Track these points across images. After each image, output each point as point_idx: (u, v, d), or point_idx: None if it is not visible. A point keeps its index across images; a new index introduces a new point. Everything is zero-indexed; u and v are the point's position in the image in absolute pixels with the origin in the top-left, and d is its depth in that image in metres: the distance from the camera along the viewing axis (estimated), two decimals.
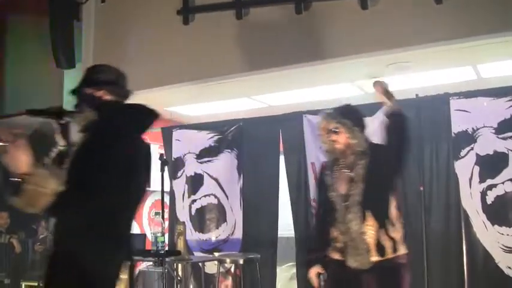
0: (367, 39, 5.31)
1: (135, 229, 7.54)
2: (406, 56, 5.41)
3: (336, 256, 3.72)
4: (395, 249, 3.60)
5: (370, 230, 3.57)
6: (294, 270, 6.13)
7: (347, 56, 5.43)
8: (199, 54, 6.18)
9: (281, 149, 6.06)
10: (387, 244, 3.57)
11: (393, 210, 3.66)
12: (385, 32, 5.22)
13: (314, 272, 3.80)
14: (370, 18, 5.31)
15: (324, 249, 3.80)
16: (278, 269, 6.22)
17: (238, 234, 6.18)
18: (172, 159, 6.63)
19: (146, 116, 3.01)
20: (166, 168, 5.85)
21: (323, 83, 6.30)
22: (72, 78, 7.05)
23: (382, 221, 3.59)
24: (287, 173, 5.97)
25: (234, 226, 6.21)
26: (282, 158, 6.06)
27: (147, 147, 2.86)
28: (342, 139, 3.70)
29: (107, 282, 2.71)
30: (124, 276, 2.83)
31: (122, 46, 6.88)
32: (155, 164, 7.28)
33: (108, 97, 2.94)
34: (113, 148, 2.62)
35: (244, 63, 5.93)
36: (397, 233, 3.64)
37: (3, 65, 7.96)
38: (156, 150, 7.81)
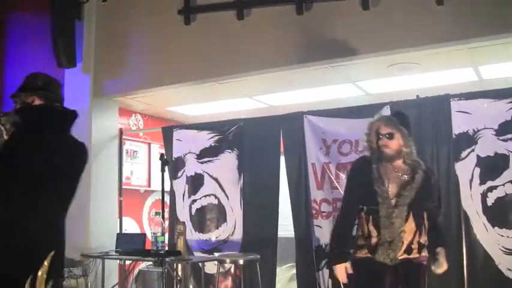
0: (368, 40, 5.32)
1: (135, 229, 7.54)
2: (406, 57, 5.42)
3: (363, 253, 3.85)
4: (420, 251, 3.83)
5: (408, 230, 3.75)
6: (294, 270, 6.13)
7: (348, 56, 5.43)
8: (200, 54, 6.19)
9: (281, 149, 6.06)
10: (417, 246, 3.80)
11: (426, 219, 3.89)
12: (385, 33, 5.22)
13: (341, 268, 3.85)
14: (371, 19, 5.31)
15: (348, 246, 3.93)
16: (278, 270, 6.22)
17: (239, 234, 6.17)
18: (173, 159, 6.62)
19: (57, 115, 3.26)
20: (166, 168, 5.85)
21: (324, 83, 6.31)
22: (73, 77, 7.07)
23: (419, 226, 3.81)
24: (287, 173, 5.96)
25: (234, 226, 6.21)
26: (282, 158, 6.06)
27: (75, 149, 3.00)
28: (395, 145, 3.79)
29: None
30: None
31: (123, 46, 6.88)
32: (156, 164, 7.39)
33: (38, 102, 3.29)
34: (18, 150, 2.92)
35: (245, 64, 5.93)
36: (424, 238, 3.86)
37: (3, 64, 7.96)
38: (156, 150, 7.84)
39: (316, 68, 5.70)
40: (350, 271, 3.87)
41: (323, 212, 5.63)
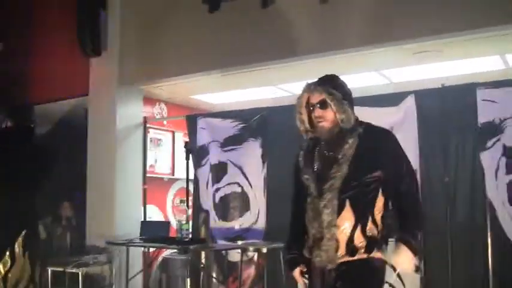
0: (393, 28, 5.26)
1: (159, 216, 7.60)
2: (432, 45, 5.36)
3: (306, 253, 3.22)
4: (370, 250, 3.02)
5: (344, 224, 3.01)
6: None
7: (372, 44, 5.39)
8: (224, 42, 6.19)
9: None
10: (361, 244, 3.01)
11: (379, 206, 3.05)
12: (412, 20, 5.16)
13: (297, 272, 3.29)
14: (397, 6, 5.25)
15: (298, 245, 3.30)
16: None
17: (262, 223, 6.18)
18: (197, 147, 6.64)
19: None
20: (191, 156, 5.88)
21: (348, 71, 6.27)
22: (98, 66, 7.13)
23: (362, 216, 3.02)
24: None
25: (257, 215, 6.22)
26: None
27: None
28: (330, 115, 3.10)
29: None
30: None
31: (148, 35, 6.91)
32: (180, 152, 7.43)
33: None
34: None
35: (270, 52, 5.92)
36: (376, 231, 3.06)
37: (31, 54, 8.04)
38: (181, 138, 7.87)
39: (340, 56, 5.66)
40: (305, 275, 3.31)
41: None
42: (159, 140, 7.74)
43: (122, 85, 7.02)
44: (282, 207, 6.04)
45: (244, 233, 6.30)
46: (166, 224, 6.62)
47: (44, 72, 7.87)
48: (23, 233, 4.62)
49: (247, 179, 6.35)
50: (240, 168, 6.38)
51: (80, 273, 6.05)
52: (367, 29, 5.37)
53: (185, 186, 6.04)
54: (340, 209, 3.00)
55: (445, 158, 5.19)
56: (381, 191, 3.04)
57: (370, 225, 3.02)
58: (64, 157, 5.57)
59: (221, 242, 6.38)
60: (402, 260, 3.02)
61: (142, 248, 6.77)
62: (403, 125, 5.40)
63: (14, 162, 4.68)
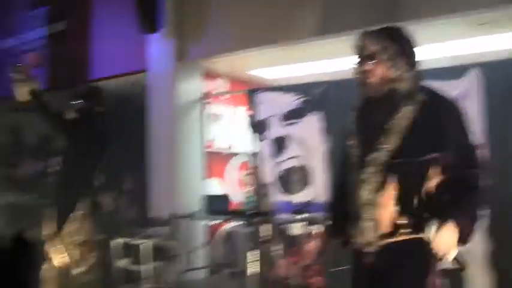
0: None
1: (220, 190, 7.68)
2: (498, 15, 5.21)
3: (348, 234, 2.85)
4: (416, 231, 2.65)
5: (385, 204, 2.64)
6: None
7: (437, 16, 5.28)
8: (284, 15, 6.16)
9: None
10: (405, 225, 2.65)
11: (430, 186, 2.64)
12: None
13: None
14: None
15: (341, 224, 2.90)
16: None
17: (323, 196, 6.19)
18: (258, 121, 6.67)
19: None
20: (252, 130, 5.92)
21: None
22: (156, 42, 7.20)
23: (408, 196, 2.62)
24: None
25: (318, 188, 6.23)
26: None
27: None
28: (379, 71, 2.68)
29: None
30: None
31: (205, 11, 6.93)
32: (240, 127, 7.46)
33: None
34: None
35: (330, 25, 5.87)
36: (424, 213, 2.66)
37: (90, 32, 8.17)
38: (240, 113, 7.91)
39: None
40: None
41: None
42: (219, 114, 7.79)
43: (180, 61, 7.08)
44: None
45: (306, 207, 6.33)
46: (227, 198, 6.70)
47: (103, 50, 8.00)
48: (88, 201, 5.06)
49: (308, 152, 6.36)
50: (301, 142, 6.40)
51: (144, 246, 6.20)
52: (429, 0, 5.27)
53: (246, 160, 6.09)
54: (382, 187, 2.62)
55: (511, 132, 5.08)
56: (436, 171, 2.62)
57: (416, 204, 2.63)
58: (125, 133, 5.69)
59: (283, 216, 6.43)
60: (444, 243, 2.58)
61: (205, 221, 6.88)
62: (466, 98, 5.31)
63: (82, 139, 5.10)
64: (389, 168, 2.62)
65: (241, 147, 7.59)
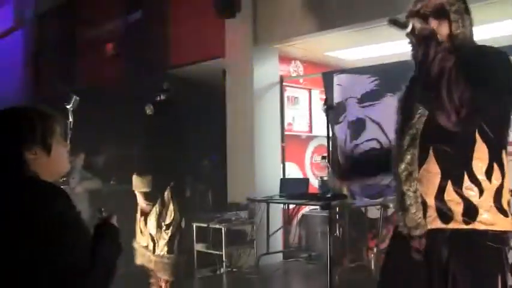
0: None
1: (298, 174, 7.65)
2: None
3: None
4: (470, 217, 2.27)
5: (429, 178, 2.33)
6: None
7: None
8: None
9: None
10: (455, 206, 2.28)
11: (479, 157, 2.29)
12: None
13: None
14: None
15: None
16: None
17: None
18: (334, 104, 6.59)
19: None
20: (329, 113, 5.84)
21: (488, 20, 5.89)
22: (233, 27, 7.22)
23: (453, 170, 2.30)
24: None
25: None
26: None
27: None
28: (445, 29, 2.38)
29: None
30: None
31: None
32: (317, 109, 7.41)
33: None
34: None
35: (406, 4, 5.69)
36: (480, 194, 2.28)
37: (167, 20, 8.29)
38: (317, 95, 7.85)
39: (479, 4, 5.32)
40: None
41: None
42: (296, 97, 7.75)
43: (257, 45, 7.08)
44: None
45: (384, 190, 6.21)
46: (305, 181, 6.68)
47: (180, 36, 8.10)
48: (172, 184, 5.21)
49: (386, 135, 6.22)
50: (379, 124, 6.27)
51: (222, 229, 6.27)
52: None
53: (323, 143, 6.03)
54: (422, 159, 2.34)
55: None
56: (479, 137, 2.28)
57: (467, 183, 2.27)
58: (204, 119, 5.75)
59: (360, 200, 6.35)
60: None
61: (283, 205, 6.88)
62: None
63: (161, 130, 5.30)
64: (426, 138, 2.34)
65: (319, 131, 7.52)
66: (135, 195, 5.22)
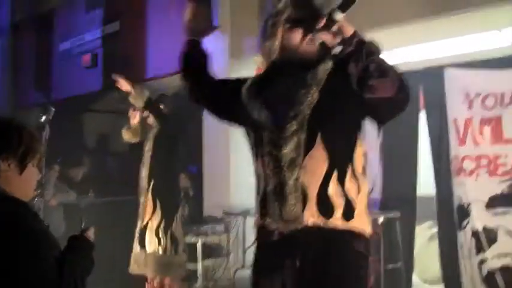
0: None
1: None
2: None
3: (260, 226, 2.38)
4: (348, 215, 2.22)
5: (314, 165, 2.22)
6: (434, 229, 5.99)
7: (491, 3, 5.09)
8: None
9: (421, 104, 5.87)
10: (337, 201, 2.20)
11: (359, 158, 2.31)
12: None
13: None
14: None
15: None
16: (417, 228, 6.10)
17: (377, 192, 6.09)
18: None
19: None
20: None
21: (467, 32, 5.97)
22: (210, 40, 7.21)
23: (339, 161, 2.24)
24: (428, 129, 5.77)
25: (373, 183, 6.13)
26: (421, 115, 5.88)
27: None
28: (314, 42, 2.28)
29: None
30: None
31: (259, 7, 6.90)
32: None
33: None
34: None
35: (379, 16, 5.75)
36: (358, 192, 2.27)
37: (144, 31, 8.29)
38: None
39: (456, 16, 5.40)
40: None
41: (465, 169, 5.42)
42: None
43: (235, 57, 7.08)
44: (397, 176, 6.01)
45: None
46: None
47: (157, 48, 8.08)
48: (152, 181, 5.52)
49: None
50: None
51: (198, 243, 6.24)
52: None
53: None
54: (309, 145, 2.23)
55: None
56: (359, 135, 2.33)
57: (349, 179, 2.23)
58: (181, 131, 5.77)
59: None
60: None
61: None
62: None
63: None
64: (313, 123, 2.25)
65: None
66: (113, 208, 5.27)
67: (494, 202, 5.17)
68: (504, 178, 5.13)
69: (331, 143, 2.23)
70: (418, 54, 6.78)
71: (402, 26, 5.60)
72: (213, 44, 7.07)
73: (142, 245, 5.42)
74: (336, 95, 2.25)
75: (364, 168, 2.33)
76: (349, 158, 2.26)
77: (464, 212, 5.38)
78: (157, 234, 5.38)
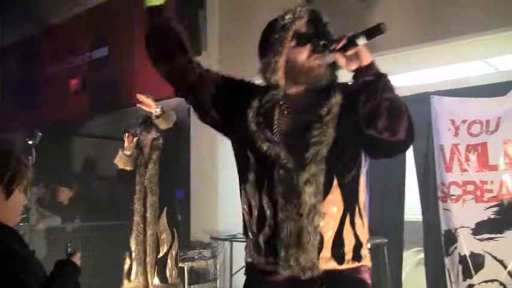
0: (498, 13, 5.03)
1: None
2: None
3: (261, 265, 2.32)
4: (358, 255, 2.20)
5: (331, 211, 2.12)
6: (421, 255, 6.00)
7: (479, 32, 5.17)
8: None
9: None
10: (349, 243, 2.16)
11: (362, 193, 2.27)
12: None
13: None
14: None
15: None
16: (404, 254, 6.11)
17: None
18: None
19: None
20: None
21: (452, 61, 6.06)
22: None
23: (351, 202, 2.18)
24: (414, 156, 5.81)
25: None
26: None
27: None
28: (323, 61, 2.21)
29: None
30: None
31: (248, 33, 6.91)
32: None
33: None
34: None
35: (368, 43, 5.80)
36: (363, 230, 2.25)
37: (133, 56, 8.31)
38: None
39: (444, 45, 5.48)
40: None
41: (452, 195, 5.45)
42: None
43: None
44: (384, 201, 6.03)
45: None
46: None
47: (146, 74, 8.09)
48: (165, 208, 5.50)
49: None
50: None
51: (185, 268, 6.20)
52: (473, 15, 5.16)
53: None
54: (327, 189, 2.11)
55: None
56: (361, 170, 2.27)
57: (357, 217, 2.19)
58: (168, 156, 5.76)
59: None
60: None
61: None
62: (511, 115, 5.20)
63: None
64: (330, 164, 2.12)
65: None
66: (99, 233, 5.22)
67: (481, 228, 5.19)
68: (490, 204, 5.15)
69: (346, 185, 2.14)
70: (406, 81, 6.86)
71: (390, 53, 5.65)
72: None
73: (163, 276, 5.36)
74: (350, 132, 2.12)
75: (364, 203, 2.29)
76: (356, 197, 2.21)
77: (451, 238, 5.40)
78: (177, 263, 5.41)
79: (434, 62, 6.09)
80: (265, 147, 2.17)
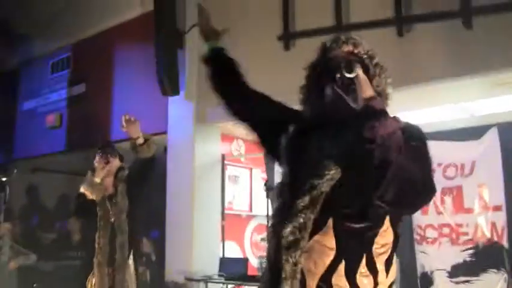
0: (471, 60, 5.13)
1: (238, 253, 7.59)
2: None
3: None
4: None
5: (324, 252, 1.92)
6: None
7: (451, 77, 5.26)
8: (300, 80, 6.17)
9: None
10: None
11: (384, 241, 2.03)
12: (490, 51, 5.02)
13: None
14: (475, 39, 5.13)
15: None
16: None
17: None
18: (275, 183, 6.62)
19: None
20: (268, 192, 5.88)
21: (425, 105, 6.14)
22: (176, 104, 7.26)
23: (352, 251, 1.95)
24: None
25: None
26: None
27: None
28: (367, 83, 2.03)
29: None
30: None
31: None
32: (258, 189, 7.42)
33: None
34: None
35: None
36: (373, 282, 1.97)
37: (110, 93, 8.31)
38: (258, 175, 7.89)
39: (417, 89, 5.55)
40: None
41: (428, 237, 5.47)
42: (237, 176, 7.77)
43: (200, 123, 7.11)
44: None
45: None
46: (245, 261, 6.62)
47: (123, 111, 8.08)
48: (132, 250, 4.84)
49: None
50: None
51: None
52: (447, 61, 5.26)
53: (263, 222, 6.03)
54: (317, 228, 1.91)
55: None
56: (389, 220, 2.02)
57: (363, 268, 1.92)
58: (144, 194, 5.70)
59: None
60: None
61: (221, 285, 6.78)
62: (486, 159, 5.26)
63: None
64: (328, 206, 1.90)
65: (259, 210, 7.52)
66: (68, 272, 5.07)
67: (456, 271, 5.20)
68: (466, 247, 5.17)
69: (344, 230, 1.91)
70: None
71: None
72: (179, 111, 7.18)
73: None
74: (359, 173, 1.86)
75: (390, 258, 2.03)
76: (365, 247, 1.94)
77: (427, 280, 5.41)
78: None
79: (409, 105, 6.17)
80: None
